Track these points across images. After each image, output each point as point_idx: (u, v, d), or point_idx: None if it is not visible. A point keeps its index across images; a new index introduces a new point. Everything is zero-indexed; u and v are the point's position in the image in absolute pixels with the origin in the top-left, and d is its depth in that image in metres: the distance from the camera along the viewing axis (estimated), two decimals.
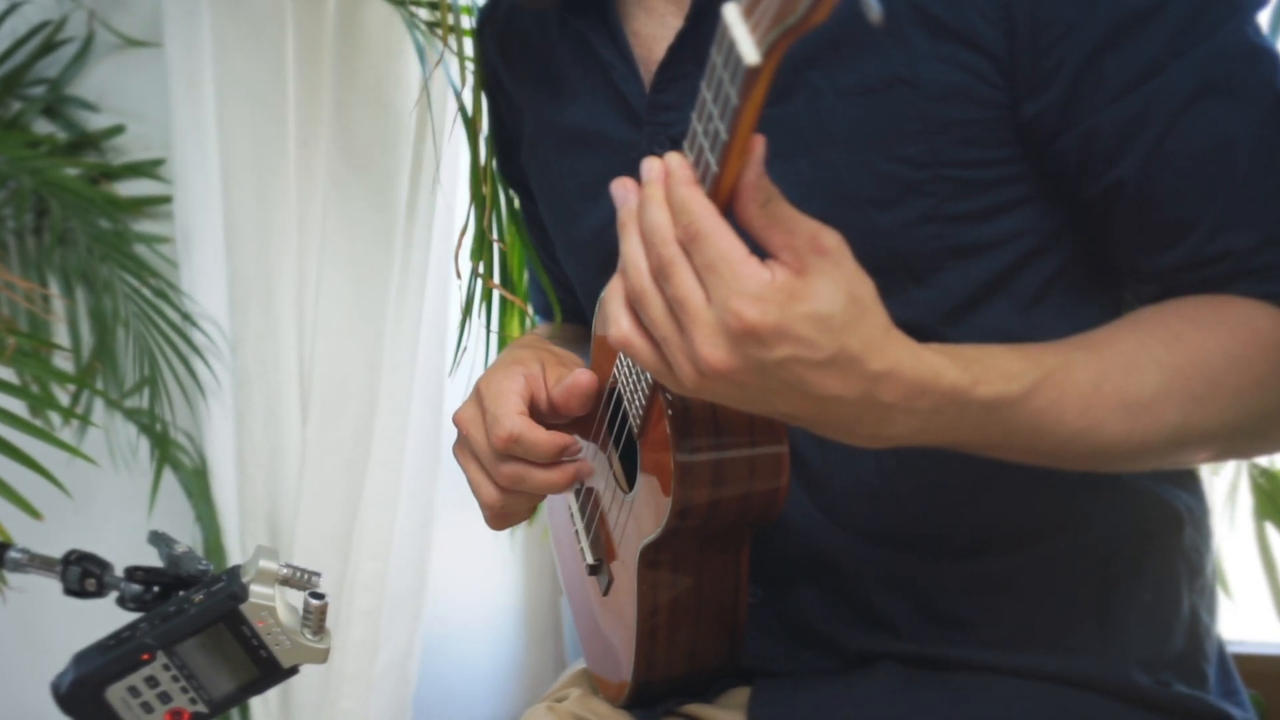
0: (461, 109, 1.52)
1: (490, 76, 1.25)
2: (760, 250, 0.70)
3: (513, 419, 0.96)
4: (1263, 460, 1.75)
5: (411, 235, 1.80)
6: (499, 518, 1.03)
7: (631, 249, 0.74)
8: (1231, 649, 1.07)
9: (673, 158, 0.72)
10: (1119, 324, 0.88)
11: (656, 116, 1.02)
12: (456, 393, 1.89)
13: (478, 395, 1.01)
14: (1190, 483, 1.06)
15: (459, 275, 1.48)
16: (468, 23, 1.61)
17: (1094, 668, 0.98)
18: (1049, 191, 0.93)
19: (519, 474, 0.98)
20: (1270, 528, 1.75)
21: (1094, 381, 0.81)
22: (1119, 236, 0.92)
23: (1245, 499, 1.76)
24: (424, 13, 1.65)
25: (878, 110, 0.91)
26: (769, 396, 0.73)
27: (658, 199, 0.72)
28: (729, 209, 0.71)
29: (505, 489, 0.99)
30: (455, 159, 1.80)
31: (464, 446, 1.02)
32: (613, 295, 0.76)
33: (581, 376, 0.98)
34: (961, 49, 0.89)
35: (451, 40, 1.51)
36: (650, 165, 0.72)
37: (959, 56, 0.89)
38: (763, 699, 1.02)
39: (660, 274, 0.71)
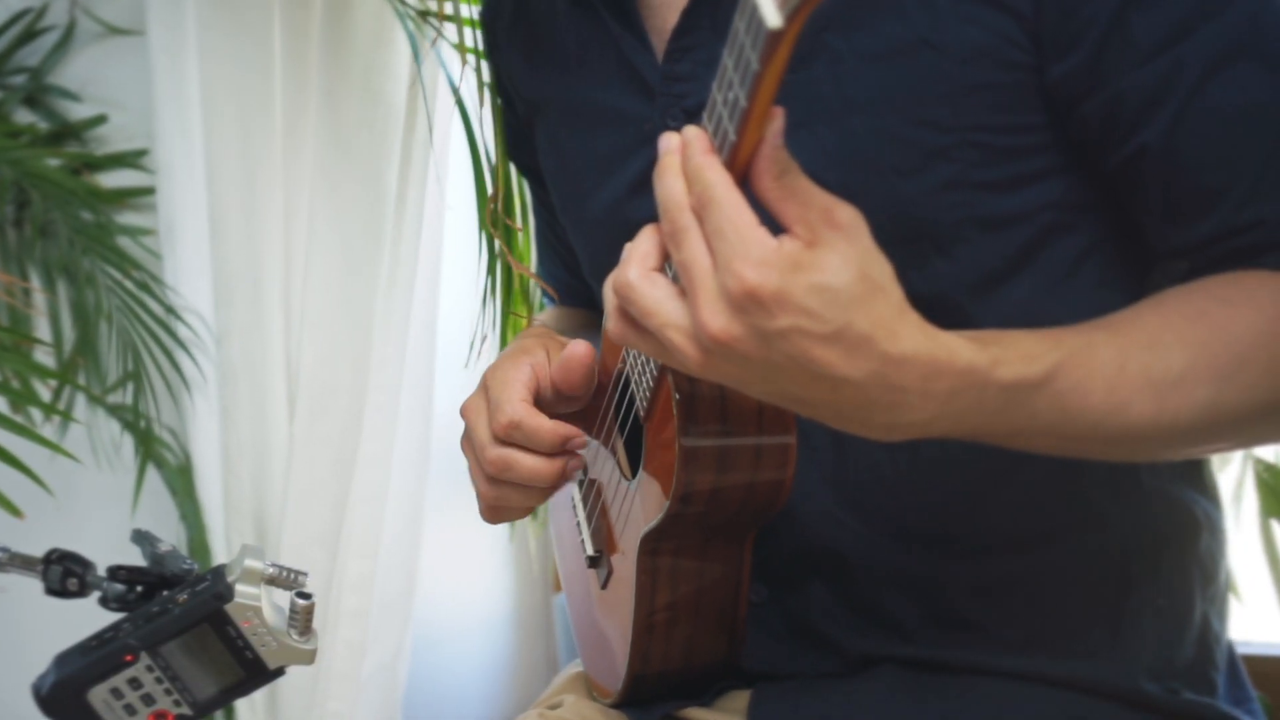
0: (457, 98, 1.50)
1: (498, 64, 1.22)
2: (779, 228, 0.69)
3: (514, 405, 0.95)
4: (1269, 456, 1.74)
5: (401, 228, 1.78)
6: (491, 509, 1.02)
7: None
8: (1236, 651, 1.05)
9: (690, 130, 0.71)
10: (1141, 305, 0.85)
11: (669, 88, 1.00)
12: (446, 389, 1.88)
13: (484, 386, 1.00)
14: (1210, 489, 1.04)
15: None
16: (460, 10, 1.59)
17: (1103, 673, 0.96)
18: (1077, 164, 0.91)
19: (506, 460, 0.96)
20: (1276, 525, 1.74)
21: (1118, 361, 0.79)
22: (1148, 209, 0.90)
23: (1250, 496, 1.75)
24: None
25: (899, 74, 0.89)
26: (775, 375, 0.70)
27: (674, 169, 0.70)
28: (746, 181, 0.69)
29: (493, 478, 0.98)
30: (446, 150, 1.77)
31: (468, 438, 1.01)
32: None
33: (577, 347, 0.96)
34: (986, 9, 0.87)
35: (444, 28, 1.49)
36: (668, 138, 0.72)
37: (983, 17, 0.87)
38: (763, 705, 1.00)
39: (672, 241, 0.70)
